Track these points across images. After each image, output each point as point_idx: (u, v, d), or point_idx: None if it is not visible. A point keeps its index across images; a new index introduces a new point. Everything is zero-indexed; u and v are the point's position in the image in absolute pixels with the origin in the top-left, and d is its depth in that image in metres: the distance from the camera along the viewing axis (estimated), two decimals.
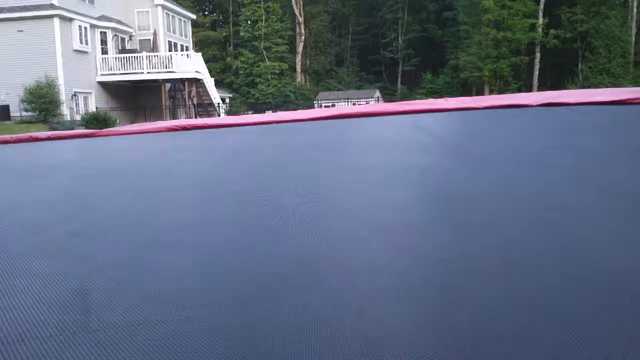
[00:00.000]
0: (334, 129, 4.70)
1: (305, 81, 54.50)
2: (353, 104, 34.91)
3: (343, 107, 5.20)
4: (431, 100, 4.87)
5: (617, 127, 4.12)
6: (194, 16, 38.75)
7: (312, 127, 3.89)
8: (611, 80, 38.57)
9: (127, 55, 28.79)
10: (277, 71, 50.49)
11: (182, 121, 4.58)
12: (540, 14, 44.35)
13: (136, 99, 30.49)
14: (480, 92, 43.35)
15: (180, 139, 4.20)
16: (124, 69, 28.54)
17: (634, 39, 41.92)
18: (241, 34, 52.92)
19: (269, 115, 5.24)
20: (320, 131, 4.40)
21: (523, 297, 1.30)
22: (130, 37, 31.31)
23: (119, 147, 4.39)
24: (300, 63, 53.81)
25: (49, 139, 4.82)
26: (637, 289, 1.34)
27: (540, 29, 44.19)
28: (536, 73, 45.48)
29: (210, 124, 4.47)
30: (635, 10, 42.63)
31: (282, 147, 3.95)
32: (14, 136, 4.82)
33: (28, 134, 4.97)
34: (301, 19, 52.97)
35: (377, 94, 45.25)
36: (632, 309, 1.22)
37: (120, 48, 30.11)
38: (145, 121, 25.89)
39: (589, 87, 35.59)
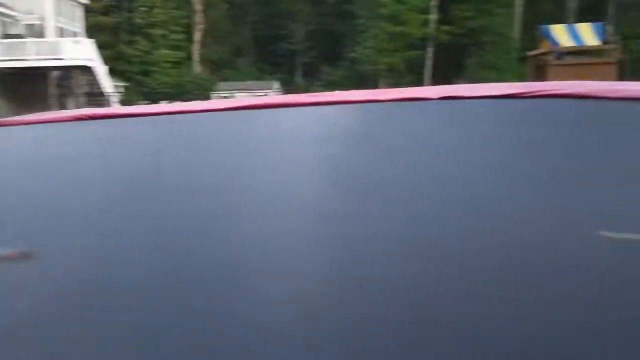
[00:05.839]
0: (239, 121, 4.62)
1: (203, 71, 53.53)
2: (253, 96, 34.69)
3: (247, 99, 5.15)
4: (338, 92, 4.92)
5: (512, 118, 4.34)
6: (86, 0, 36.90)
7: (225, 118, 3.83)
8: (497, 75, 40.69)
9: (11, 40, 27.00)
10: (174, 60, 49.27)
11: (90, 110, 4.34)
12: (434, 10, 46.11)
13: (20, 88, 28.62)
14: (376, 85, 44.47)
15: (91, 130, 3.96)
16: (8, 56, 26.72)
17: (518, 36, 44.61)
18: (136, 20, 51.05)
19: (177, 105, 5.08)
20: (235, 123, 4.32)
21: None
22: (16, 21, 29.33)
23: (20, 138, 4.08)
24: (197, 52, 52.77)
25: None
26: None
27: (432, 25, 45.94)
28: (429, 67, 47.28)
29: (120, 113, 4.26)
30: (519, 8, 45.36)
31: (198, 140, 3.83)
32: None
33: None
34: (199, 7, 51.89)
35: (276, 85, 45.27)
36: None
37: (4, 33, 28.15)
38: (30, 113, 24.37)
39: (478, 81, 37.33)
